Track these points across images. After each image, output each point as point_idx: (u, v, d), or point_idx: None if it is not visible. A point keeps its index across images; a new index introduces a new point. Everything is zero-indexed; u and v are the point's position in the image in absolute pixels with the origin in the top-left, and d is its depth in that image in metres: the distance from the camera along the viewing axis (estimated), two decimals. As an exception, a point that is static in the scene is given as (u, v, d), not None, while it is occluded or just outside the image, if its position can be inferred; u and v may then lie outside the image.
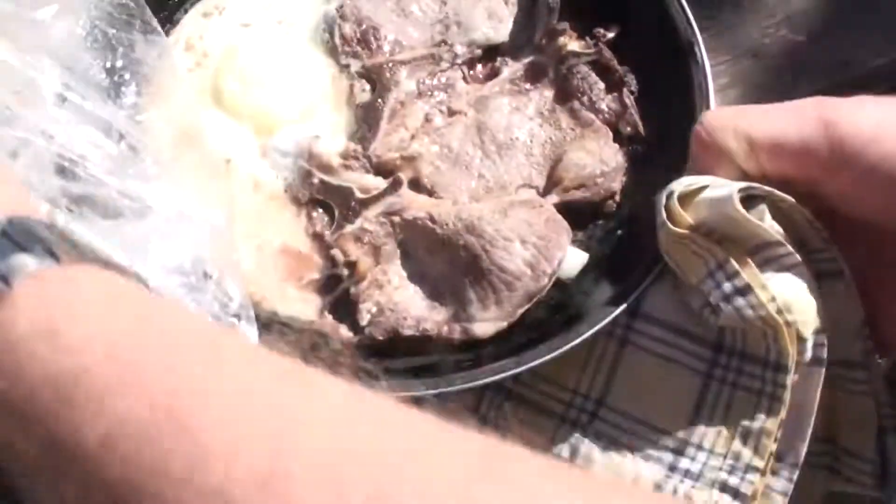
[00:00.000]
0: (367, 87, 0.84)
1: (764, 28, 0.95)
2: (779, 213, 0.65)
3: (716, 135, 0.65)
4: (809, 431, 0.66)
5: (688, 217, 0.65)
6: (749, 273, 0.63)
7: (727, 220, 0.63)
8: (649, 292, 0.72)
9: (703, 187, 0.65)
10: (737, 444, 0.68)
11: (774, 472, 0.67)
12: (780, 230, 0.64)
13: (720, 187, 0.64)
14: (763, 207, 0.63)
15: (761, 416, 0.67)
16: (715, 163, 0.66)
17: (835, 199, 0.63)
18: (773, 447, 0.66)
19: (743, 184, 0.63)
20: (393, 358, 0.74)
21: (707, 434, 0.70)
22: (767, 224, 0.63)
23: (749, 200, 0.64)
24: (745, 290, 0.63)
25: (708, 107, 0.76)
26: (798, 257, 0.64)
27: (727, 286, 0.64)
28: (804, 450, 0.66)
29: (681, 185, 0.66)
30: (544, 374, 0.74)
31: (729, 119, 0.65)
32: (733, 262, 0.63)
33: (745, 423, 0.68)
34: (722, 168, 0.65)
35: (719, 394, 0.70)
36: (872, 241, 0.65)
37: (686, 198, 0.67)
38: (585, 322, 0.68)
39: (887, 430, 0.71)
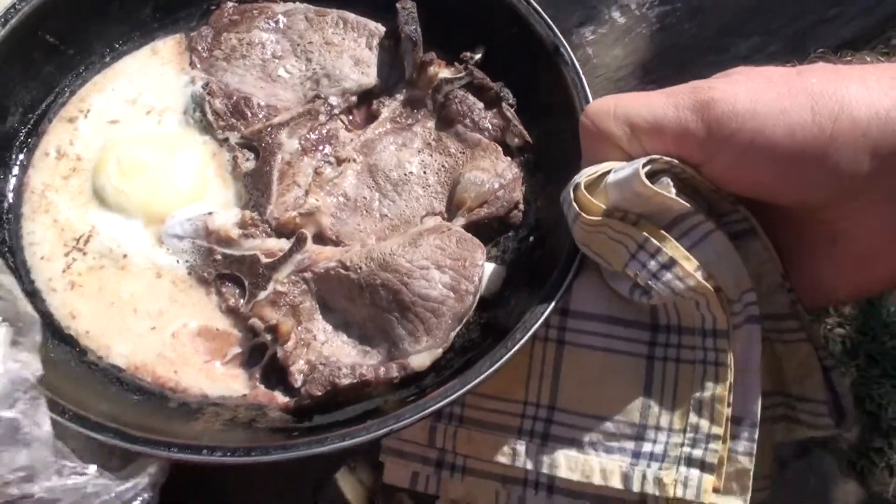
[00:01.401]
0: (251, 155, 0.83)
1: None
2: (683, 185, 0.65)
3: (599, 123, 0.66)
4: (759, 390, 0.66)
5: (599, 203, 0.66)
6: (670, 246, 0.64)
7: (637, 197, 0.63)
8: (575, 289, 0.71)
9: (607, 173, 0.66)
10: (693, 417, 0.67)
11: (735, 437, 0.66)
12: (688, 200, 0.65)
13: (623, 169, 0.65)
14: (667, 181, 0.64)
15: (710, 385, 0.67)
16: (603, 149, 0.67)
17: (718, 179, 0.64)
18: (728, 412, 0.66)
19: (644, 158, 0.63)
20: (336, 411, 0.71)
21: (662, 414, 0.69)
22: (674, 196, 0.64)
23: (652, 177, 0.65)
24: (670, 264, 0.64)
25: (587, 100, 0.77)
26: (712, 223, 0.64)
27: (652, 264, 0.64)
28: (758, 408, 0.66)
29: (584, 175, 0.66)
30: (492, 392, 0.72)
31: (610, 106, 0.66)
32: (653, 239, 0.64)
33: (697, 394, 0.67)
34: (610, 153, 0.66)
35: (665, 372, 0.69)
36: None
37: (592, 187, 0.67)
38: (518, 330, 0.67)
39: (829, 369, 0.72)
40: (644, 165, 0.62)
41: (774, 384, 0.72)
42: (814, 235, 0.65)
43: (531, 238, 0.79)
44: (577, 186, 0.66)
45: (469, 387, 0.65)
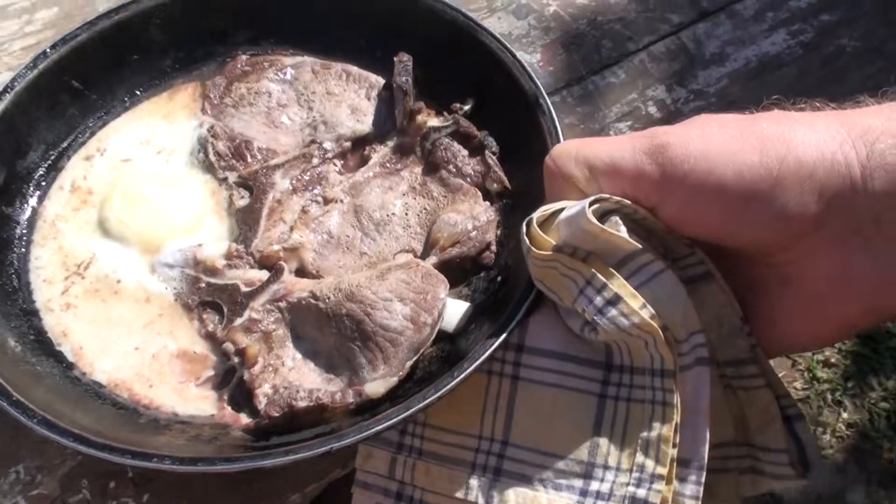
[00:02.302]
0: (246, 193, 0.88)
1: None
2: (635, 226, 0.67)
3: (560, 164, 0.69)
4: (708, 433, 0.66)
5: (549, 239, 0.68)
6: (617, 283, 0.65)
7: (585, 234, 0.65)
8: (531, 325, 0.73)
9: (560, 210, 0.68)
10: (639, 457, 0.67)
11: (682, 479, 0.66)
12: (639, 241, 0.66)
13: (573, 206, 0.67)
14: (616, 220, 0.66)
15: (657, 425, 0.67)
16: (563, 190, 0.69)
17: (672, 221, 0.65)
18: (674, 452, 0.66)
19: (593, 196, 0.65)
20: (292, 434, 0.74)
21: (611, 452, 0.69)
22: (624, 234, 0.66)
23: (603, 216, 0.67)
24: (615, 301, 0.65)
25: (559, 147, 0.80)
26: (662, 263, 0.66)
27: (598, 300, 0.66)
28: (706, 451, 0.66)
29: (538, 211, 0.69)
30: (449, 426, 0.74)
31: (572, 149, 0.69)
32: (599, 275, 0.65)
33: (644, 434, 0.68)
34: (570, 194, 0.68)
35: (616, 411, 0.70)
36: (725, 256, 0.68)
37: (546, 224, 0.70)
38: (466, 360, 0.69)
39: (793, 418, 0.72)
40: (591, 203, 0.64)
41: (739, 434, 0.72)
42: (767, 279, 0.66)
43: (499, 278, 0.82)
44: (529, 222, 0.69)
45: (408, 413, 0.67)
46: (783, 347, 0.70)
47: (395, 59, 0.91)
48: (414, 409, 0.67)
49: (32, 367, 0.76)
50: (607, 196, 0.65)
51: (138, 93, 0.96)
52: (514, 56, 0.87)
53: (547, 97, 0.84)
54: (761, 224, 0.61)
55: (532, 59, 1.03)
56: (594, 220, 0.63)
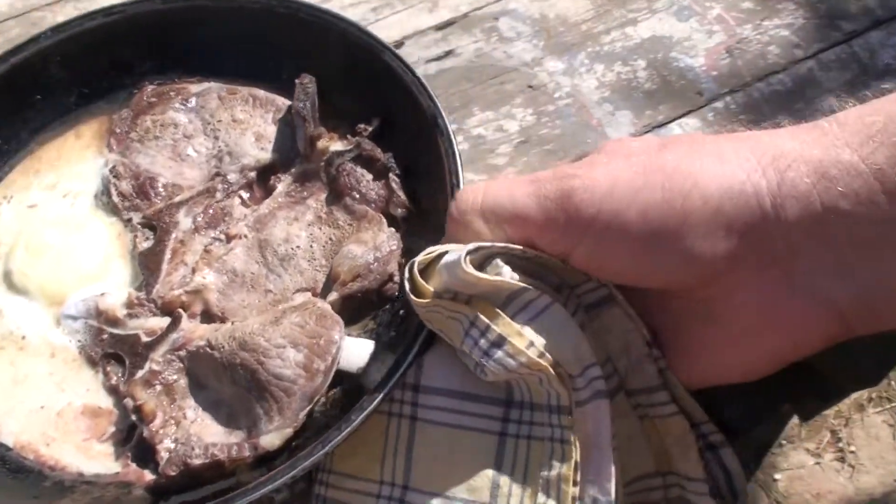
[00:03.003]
0: (150, 235, 0.86)
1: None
2: (527, 263, 0.65)
3: (463, 215, 0.66)
4: (613, 468, 0.64)
5: (429, 286, 0.66)
6: (501, 323, 0.63)
7: (462, 282, 0.63)
8: (427, 364, 0.71)
9: (442, 254, 0.66)
10: (541, 497, 0.66)
11: None
12: (523, 279, 0.64)
13: (452, 253, 0.65)
14: (498, 262, 0.64)
15: (556, 464, 0.65)
16: (465, 238, 0.66)
17: (584, 268, 0.63)
18: (575, 491, 0.64)
19: (472, 245, 0.63)
20: (191, 491, 0.73)
21: (513, 493, 0.68)
22: (507, 277, 0.63)
23: (487, 260, 0.64)
24: (500, 342, 0.63)
25: (455, 172, 0.77)
26: (549, 298, 0.63)
27: (482, 342, 0.64)
28: (612, 487, 0.64)
29: (422, 255, 0.67)
30: (352, 471, 0.73)
31: (477, 198, 0.66)
32: (482, 317, 0.63)
33: (544, 473, 0.66)
34: (470, 241, 0.66)
35: (517, 449, 0.68)
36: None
37: (429, 267, 0.68)
38: (354, 411, 0.68)
39: (718, 446, 0.70)
40: (469, 253, 0.62)
41: (663, 464, 0.70)
42: (693, 314, 0.63)
43: (401, 311, 0.79)
44: (412, 266, 0.67)
45: (287, 477, 0.66)
46: (712, 380, 0.67)
47: (297, 81, 0.88)
48: (292, 473, 0.66)
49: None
50: (489, 244, 0.64)
51: (43, 134, 0.94)
52: (413, 73, 0.84)
53: (445, 116, 0.81)
54: (670, 266, 0.58)
55: (694, 63, 0.99)
56: (470, 270, 0.62)
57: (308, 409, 0.73)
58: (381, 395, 0.68)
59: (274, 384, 0.73)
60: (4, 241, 0.88)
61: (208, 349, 0.76)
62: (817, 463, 1.59)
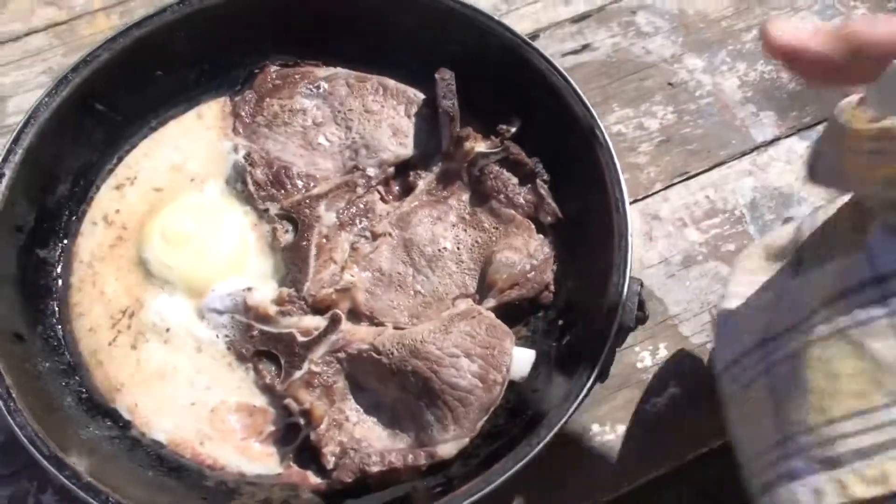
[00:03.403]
0: (290, 227, 0.85)
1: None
2: None
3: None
4: None
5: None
6: None
7: None
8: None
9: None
10: None
11: None
12: None
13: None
14: None
15: None
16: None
17: None
18: None
19: None
20: (365, 496, 0.74)
21: None
22: None
23: None
24: None
25: (619, 183, 0.78)
26: None
27: None
28: None
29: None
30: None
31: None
32: None
33: None
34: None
35: None
36: None
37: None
38: (543, 426, 0.69)
39: None
40: None
41: None
42: None
43: (560, 321, 0.80)
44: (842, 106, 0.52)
45: (493, 486, 0.67)
46: None
47: (437, 76, 0.87)
48: (497, 482, 0.67)
49: (90, 432, 0.75)
50: None
51: (164, 112, 0.91)
52: (566, 79, 0.83)
53: (602, 126, 0.81)
54: None
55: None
56: None
57: (485, 419, 0.74)
58: (570, 410, 0.69)
59: (448, 393, 0.74)
60: (131, 224, 0.85)
61: (374, 354, 0.76)
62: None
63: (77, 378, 0.79)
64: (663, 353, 0.84)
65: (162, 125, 0.91)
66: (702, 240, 0.90)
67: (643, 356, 0.84)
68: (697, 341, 0.85)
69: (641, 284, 0.76)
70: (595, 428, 0.81)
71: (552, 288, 0.82)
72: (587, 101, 0.82)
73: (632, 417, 0.82)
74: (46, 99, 0.82)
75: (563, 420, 0.69)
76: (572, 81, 0.83)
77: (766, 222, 0.91)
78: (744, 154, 0.94)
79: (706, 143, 0.94)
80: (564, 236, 0.84)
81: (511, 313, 0.81)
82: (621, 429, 0.81)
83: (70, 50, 1.00)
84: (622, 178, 0.78)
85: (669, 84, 0.98)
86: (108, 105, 0.87)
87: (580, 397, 0.70)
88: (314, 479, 0.75)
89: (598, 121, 0.81)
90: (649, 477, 0.80)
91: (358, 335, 0.78)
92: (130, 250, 0.84)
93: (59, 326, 0.81)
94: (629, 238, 0.75)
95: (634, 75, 0.99)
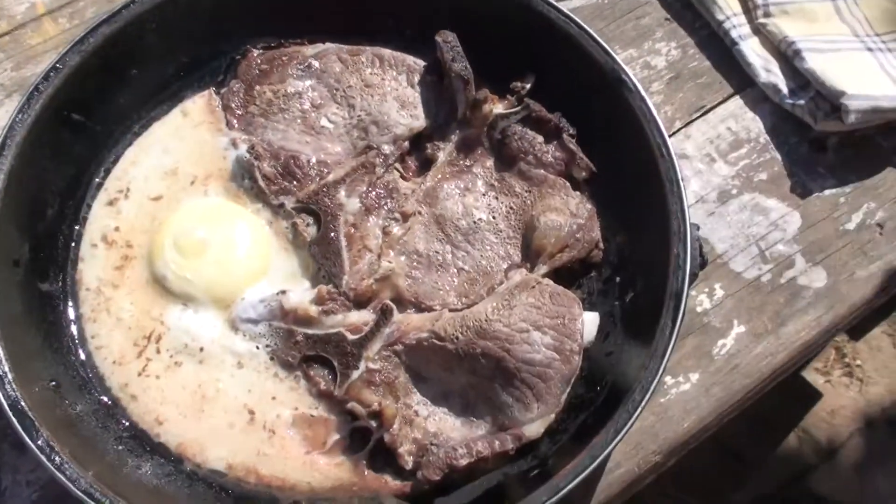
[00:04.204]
0: (310, 220, 0.79)
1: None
2: None
3: None
4: None
5: None
6: None
7: None
8: None
9: None
10: None
11: None
12: None
13: None
14: None
15: None
16: None
17: None
18: None
19: None
20: (455, 490, 0.69)
21: None
22: None
23: None
24: None
25: (657, 126, 0.74)
26: None
27: None
28: None
29: None
30: None
31: None
32: None
33: None
34: None
35: None
36: None
37: None
38: (636, 388, 0.65)
39: None
40: None
41: None
42: None
43: (617, 278, 0.77)
44: None
45: (598, 460, 0.64)
46: None
47: (438, 38, 0.81)
48: (601, 456, 0.64)
49: (141, 473, 0.68)
50: None
51: (145, 113, 0.83)
52: (580, 27, 0.79)
53: (629, 71, 0.77)
54: None
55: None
56: None
57: (568, 391, 0.70)
58: (660, 370, 0.66)
59: (525, 370, 0.69)
60: (136, 241, 0.77)
61: (436, 341, 0.71)
62: (827, 381, 1.66)
63: (113, 416, 0.71)
64: (719, 293, 0.82)
65: (146, 129, 0.83)
66: (732, 173, 0.88)
67: (701, 299, 0.82)
68: (750, 276, 0.82)
69: (698, 228, 0.74)
70: (668, 380, 0.78)
71: (601, 245, 0.78)
72: (608, 47, 0.78)
73: (702, 364, 0.79)
74: (20, 116, 0.73)
75: (656, 379, 0.66)
76: (587, 27, 0.79)
77: (792, 145, 0.89)
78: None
79: (716, 75, 0.92)
80: (600, 191, 0.80)
81: (562, 277, 0.77)
82: (695, 377, 0.78)
83: (20, 62, 0.90)
84: (660, 121, 0.75)
85: (667, 19, 0.95)
86: (85, 114, 0.79)
87: (667, 353, 0.67)
88: (393, 482, 0.70)
89: (622, 64, 0.77)
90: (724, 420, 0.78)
91: (413, 324, 0.73)
92: (140, 269, 0.76)
93: (80, 364, 0.73)
94: (682, 182, 0.72)
95: (630, 14, 0.96)
